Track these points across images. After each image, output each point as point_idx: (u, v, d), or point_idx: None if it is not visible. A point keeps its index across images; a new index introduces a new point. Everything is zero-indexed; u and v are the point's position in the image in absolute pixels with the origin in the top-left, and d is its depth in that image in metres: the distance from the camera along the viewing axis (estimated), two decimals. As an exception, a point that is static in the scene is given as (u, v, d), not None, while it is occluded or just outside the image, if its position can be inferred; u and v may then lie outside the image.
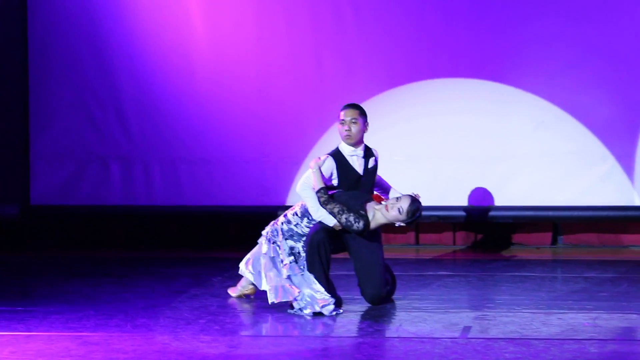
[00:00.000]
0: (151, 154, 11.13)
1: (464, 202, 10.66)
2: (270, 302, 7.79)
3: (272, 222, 8.02)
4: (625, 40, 10.44)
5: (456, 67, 10.69)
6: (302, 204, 7.89)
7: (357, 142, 8.01)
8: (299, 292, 7.66)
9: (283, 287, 7.75)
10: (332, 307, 7.61)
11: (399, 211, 7.61)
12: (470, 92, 10.67)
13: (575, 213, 10.57)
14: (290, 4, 10.83)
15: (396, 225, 7.77)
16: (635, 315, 7.58)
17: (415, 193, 7.92)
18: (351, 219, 7.63)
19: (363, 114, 8.03)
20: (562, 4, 10.51)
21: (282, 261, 7.81)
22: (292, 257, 7.79)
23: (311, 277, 7.69)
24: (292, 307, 7.68)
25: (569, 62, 10.53)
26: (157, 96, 11.09)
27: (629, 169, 10.51)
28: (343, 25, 10.77)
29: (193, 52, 10.98)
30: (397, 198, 7.68)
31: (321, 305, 7.61)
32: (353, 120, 7.97)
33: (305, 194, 7.81)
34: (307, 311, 7.61)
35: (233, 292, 8.25)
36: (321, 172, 7.82)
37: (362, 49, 10.76)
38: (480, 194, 10.66)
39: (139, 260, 10.39)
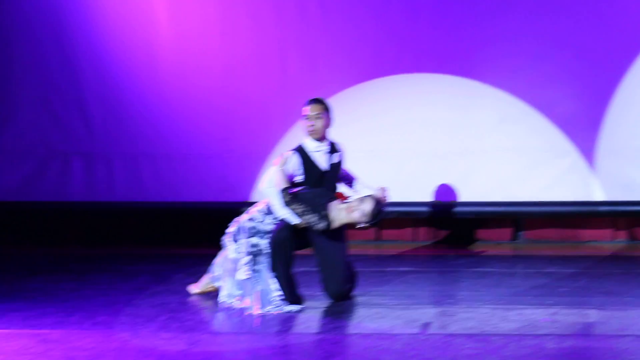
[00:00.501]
0: (113, 150, 11.11)
1: (426, 198, 10.72)
2: (221, 301, 7.86)
3: (236, 219, 8.01)
4: (589, 35, 10.51)
5: (420, 62, 10.75)
6: (266, 201, 7.87)
7: (322, 137, 8.01)
8: (251, 299, 7.69)
9: (241, 296, 7.81)
10: (284, 306, 7.63)
11: (362, 214, 7.61)
12: (434, 87, 10.74)
13: (536, 208, 10.66)
14: (254, 0, 10.81)
15: (358, 227, 7.78)
16: (594, 311, 7.62)
17: (382, 187, 7.96)
18: (313, 219, 7.62)
19: (327, 109, 8.02)
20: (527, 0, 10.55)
21: (239, 262, 7.83)
22: (249, 257, 7.78)
23: (269, 276, 7.69)
24: (250, 306, 7.69)
25: (533, 56, 10.60)
26: (120, 92, 11.07)
27: (591, 164, 10.57)
28: (307, 20, 10.79)
29: (157, 48, 10.96)
30: (361, 199, 7.66)
31: (275, 305, 7.62)
32: (317, 116, 7.97)
33: (269, 192, 7.79)
34: (266, 309, 7.62)
35: (194, 289, 8.24)
36: (286, 169, 7.81)
37: (327, 44, 10.78)
38: (443, 190, 10.71)
39: (99, 257, 10.36)
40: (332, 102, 8.25)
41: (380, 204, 7.68)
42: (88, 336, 6.82)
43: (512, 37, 10.60)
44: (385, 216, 7.84)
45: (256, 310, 7.63)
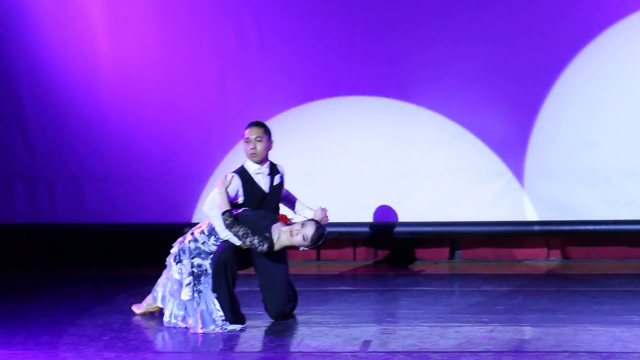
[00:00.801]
0: (55, 172, 11.01)
1: (365, 218, 10.68)
2: (165, 321, 7.85)
3: (179, 240, 8.00)
4: (520, 59, 10.54)
5: (357, 85, 10.72)
6: (209, 222, 7.87)
7: (262, 159, 8.02)
8: (194, 319, 7.69)
9: (184, 316, 7.80)
10: (227, 326, 7.65)
11: (304, 238, 7.61)
12: (371, 110, 10.71)
13: (472, 228, 10.66)
14: (193, 23, 10.78)
15: (300, 249, 7.81)
16: (529, 328, 7.67)
17: (322, 208, 7.99)
18: (255, 242, 7.62)
19: (267, 131, 8.04)
20: (460, 25, 10.58)
21: (183, 282, 7.83)
22: (191, 278, 7.79)
23: (212, 296, 7.71)
24: (193, 326, 7.69)
25: (466, 80, 10.61)
26: (61, 115, 10.98)
27: (523, 185, 10.62)
28: (245, 44, 10.75)
29: (97, 71, 10.89)
30: (303, 224, 7.66)
31: (218, 326, 7.64)
32: (258, 139, 7.98)
33: (212, 214, 7.80)
34: (209, 328, 7.63)
35: (137, 309, 8.21)
36: (228, 191, 7.82)
37: (265, 68, 10.75)
38: (380, 211, 10.70)
39: (42, 278, 10.24)
40: (271, 124, 8.27)
41: (321, 228, 7.71)
42: (32, 357, 6.79)
43: (446, 61, 10.60)
44: (326, 239, 7.85)
45: (199, 330, 7.63)
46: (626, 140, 10.46)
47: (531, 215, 10.60)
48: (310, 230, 7.61)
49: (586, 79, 10.48)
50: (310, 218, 7.90)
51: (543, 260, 10.90)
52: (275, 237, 7.67)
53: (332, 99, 10.76)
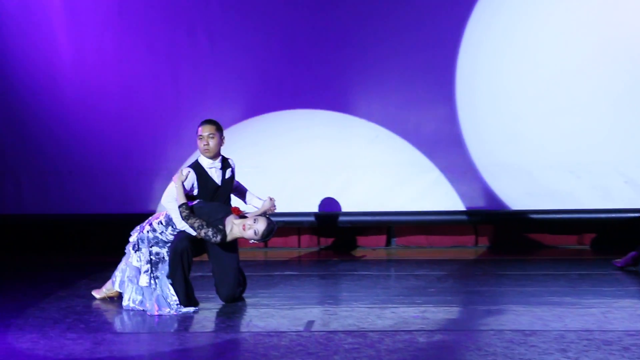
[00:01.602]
0: (21, 167, 10.90)
1: (308, 209, 10.69)
2: (124, 304, 7.82)
3: (137, 228, 7.96)
4: (440, 67, 10.56)
5: (300, 98, 10.71)
6: (166, 213, 7.84)
7: (215, 155, 8.01)
8: (150, 303, 7.67)
9: (142, 301, 7.77)
10: (181, 309, 7.63)
11: (255, 232, 7.60)
12: (313, 116, 10.72)
13: (406, 218, 10.71)
14: (149, 29, 10.71)
15: (250, 242, 7.80)
16: (459, 308, 7.74)
17: (270, 197, 7.99)
18: (210, 233, 7.60)
19: (219, 129, 8.04)
20: (385, 39, 10.55)
21: (141, 269, 7.80)
22: (149, 266, 7.76)
23: (167, 282, 7.69)
24: (150, 309, 7.67)
25: (395, 88, 10.62)
26: (27, 114, 10.85)
27: (452, 178, 10.66)
28: (197, 50, 10.69)
29: (59, 74, 10.78)
30: (255, 219, 7.64)
31: (173, 309, 7.62)
32: (210, 135, 7.97)
33: (169, 207, 7.78)
34: (165, 311, 7.61)
35: (97, 293, 8.17)
36: (184, 184, 7.80)
37: (215, 71, 10.69)
38: (323, 202, 10.72)
39: (10, 265, 10.14)
40: (224, 122, 8.31)
41: (272, 224, 7.70)
42: (0, 339, 6.75)
43: (377, 72, 10.60)
44: (274, 233, 7.85)
45: (155, 312, 7.61)
46: (545, 137, 10.53)
47: (460, 206, 10.65)
48: (261, 226, 7.60)
49: (509, 83, 10.54)
50: (262, 213, 7.89)
51: (471, 246, 10.96)
52: (228, 229, 7.65)
53: (278, 113, 10.77)
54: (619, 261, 9.41)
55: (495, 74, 10.56)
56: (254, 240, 7.66)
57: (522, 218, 10.66)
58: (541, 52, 10.48)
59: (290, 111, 10.75)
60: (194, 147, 8.13)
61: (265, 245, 10.67)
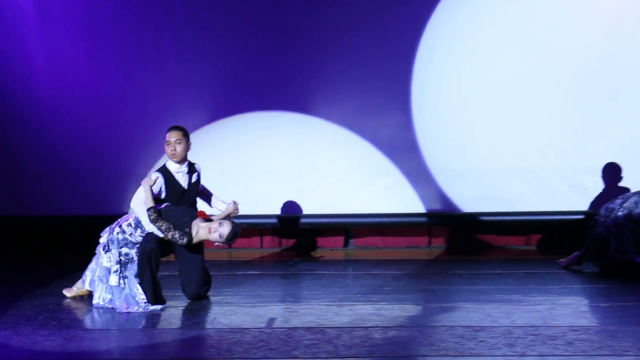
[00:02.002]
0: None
1: (270, 212, 10.66)
2: (94, 302, 7.78)
3: (107, 230, 7.92)
4: (396, 77, 10.56)
5: (262, 101, 10.67)
6: (135, 216, 7.82)
7: (182, 159, 8.00)
8: (119, 301, 7.64)
9: (111, 299, 7.73)
10: (149, 306, 7.61)
11: (220, 236, 7.60)
12: (274, 120, 10.68)
13: (363, 220, 10.69)
14: (119, 39, 10.65)
15: (215, 244, 7.79)
16: (412, 306, 7.75)
17: (234, 201, 7.98)
18: (176, 236, 7.59)
19: (186, 135, 8.03)
20: (346, 48, 10.54)
21: (111, 269, 7.77)
22: (118, 266, 7.73)
23: (135, 282, 7.66)
24: (119, 307, 7.65)
25: (353, 95, 10.62)
26: (2, 120, 10.78)
27: (407, 182, 10.65)
28: (165, 59, 10.65)
29: (35, 83, 10.68)
30: (220, 223, 7.64)
31: (141, 306, 7.60)
32: (178, 141, 7.96)
33: (138, 210, 7.76)
34: (133, 309, 7.59)
35: (68, 292, 8.12)
36: (152, 188, 7.77)
37: (181, 80, 10.66)
38: (284, 204, 10.70)
39: None
40: (189, 128, 8.30)
41: (236, 228, 7.69)
42: (-25, 335, 6.72)
43: (337, 80, 10.59)
44: (239, 236, 7.84)
45: (124, 310, 7.59)
46: (493, 144, 10.57)
47: (415, 208, 10.65)
48: (226, 230, 7.60)
49: (460, 93, 10.58)
50: (226, 216, 7.89)
51: (425, 247, 10.95)
52: (194, 232, 7.65)
53: (242, 115, 10.71)
54: (563, 261, 9.47)
55: (447, 84, 10.59)
56: (219, 242, 7.66)
57: (473, 220, 10.69)
58: (489, 63, 10.53)
59: (253, 113, 10.70)
60: (162, 152, 8.10)
61: (230, 247, 10.65)
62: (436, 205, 10.68)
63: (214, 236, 7.60)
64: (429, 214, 10.66)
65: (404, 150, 10.66)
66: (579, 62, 10.49)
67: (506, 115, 10.57)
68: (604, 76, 10.48)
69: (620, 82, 10.48)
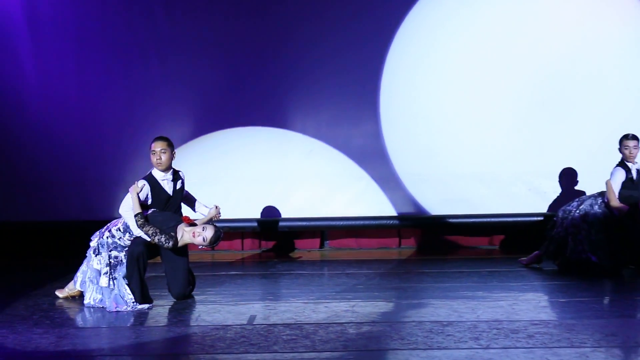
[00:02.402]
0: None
1: (251, 216, 10.65)
2: (85, 302, 7.77)
3: (97, 234, 7.91)
4: (365, 89, 10.57)
5: (243, 117, 10.67)
6: (124, 221, 7.81)
7: (167, 168, 7.98)
8: (109, 301, 7.63)
9: (101, 299, 7.72)
10: (137, 306, 7.61)
11: (204, 239, 7.61)
12: (255, 136, 10.70)
13: (338, 223, 10.68)
14: (107, 54, 10.62)
15: (199, 247, 7.79)
16: (384, 303, 7.77)
17: (216, 205, 7.98)
18: (162, 239, 7.59)
19: (171, 145, 8.01)
20: (318, 62, 10.57)
21: (101, 271, 7.76)
22: (108, 268, 7.72)
23: (123, 283, 7.65)
24: (109, 306, 7.64)
25: (327, 107, 10.61)
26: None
27: (378, 187, 10.66)
28: (150, 74, 10.65)
29: (26, 97, 10.63)
30: (204, 228, 7.65)
31: (129, 306, 7.59)
32: (163, 151, 7.94)
33: (126, 215, 7.74)
34: (122, 308, 7.58)
35: (60, 293, 8.10)
36: (139, 195, 7.77)
37: (167, 94, 10.64)
38: (264, 209, 10.70)
39: None
40: (174, 138, 8.29)
41: (218, 232, 7.70)
42: (-27, 333, 6.70)
43: (311, 93, 10.59)
44: (221, 240, 7.84)
45: (114, 309, 7.58)
46: (458, 151, 10.61)
47: (386, 212, 10.67)
48: (209, 234, 7.61)
49: (425, 103, 10.62)
50: (209, 220, 7.90)
51: (395, 248, 10.97)
52: (179, 235, 7.65)
53: (224, 130, 10.71)
54: (524, 259, 9.53)
55: (413, 95, 10.61)
56: (203, 245, 7.66)
57: (440, 222, 10.71)
58: (453, 75, 10.57)
59: (235, 129, 10.71)
60: (148, 161, 8.09)
61: (213, 249, 10.63)
62: (405, 209, 10.69)
63: (198, 240, 7.61)
64: (399, 217, 10.67)
65: (374, 157, 10.68)
66: (538, 77, 10.56)
67: (470, 124, 10.61)
68: (560, 89, 10.55)
69: (575, 95, 10.56)
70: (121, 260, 7.76)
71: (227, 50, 10.63)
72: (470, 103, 10.59)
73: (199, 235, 7.59)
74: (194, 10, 10.62)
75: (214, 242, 7.66)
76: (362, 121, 10.65)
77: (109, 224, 7.95)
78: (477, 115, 10.60)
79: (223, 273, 9.41)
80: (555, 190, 10.52)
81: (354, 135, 10.66)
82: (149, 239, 7.65)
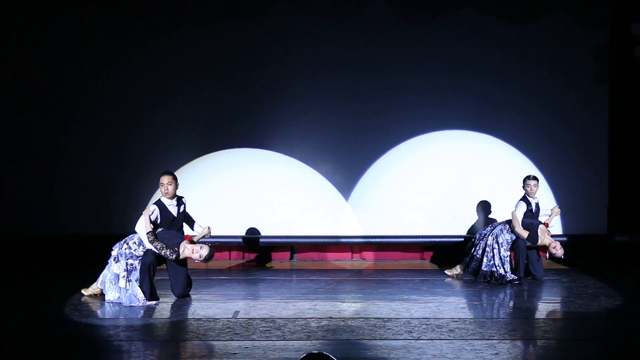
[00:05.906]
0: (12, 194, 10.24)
1: (237, 233, 10.45)
2: (106, 299, 7.73)
3: (117, 244, 7.88)
4: (350, 111, 10.35)
5: (228, 141, 10.39)
6: (138, 237, 7.82)
7: (172, 196, 8.00)
8: (125, 298, 7.61)
9: (119, 297, 7.70)
10: (147, 302, 7.58)
11: (200, 256, 7.66)
12: (239, 156, 10.43)
13: (304, 240, 10.55)
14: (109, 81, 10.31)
15: (195, 262, 7.79)
16: (339, 302, 7.75)
17: (208, 226, 8.00)
18: (168, 253, 7.64)
19: (175, 178, 8.04)
20: (297, 87, 10.30)
21: (120, 275, 7.75)
22: (125, 273, 7.69)
23: (136, 285, 7.64)
24: (124, 303, 7.62)
25: (307, 131, 10.37)
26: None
27: (336, 212, 10.49)
28: (151, 104, 10.24)
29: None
30: (201, 246, 7.68)
31: (141, 302, 7.57)
32: (169, 183, 7.97)
33: (140, 233, 7.77)
34: (135, 304, 7.57)
35: (86, 291, 8.06)
36: (150, 217, 7.78)
37: (168, 121, 10.31)
38: (248, 229, 10.55)
39: (30, 274, 9.66)
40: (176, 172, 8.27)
41: (212, 251, 7.69)
42: (26, 320, 6.64)
43: (292, 116, 10.31)
44: (213, 256, 7.83)
45: (129, 305, 7.57)
46: (397, 186, 10.50)
47: (342, 232, 10.50)
48: (205, 252, 7.67)
49: (393, 148, 10.52)
50: (202, 237, 7.90)
51: (348, 260, 10.86)
52: (181, 250, 7.69)
53: (213, 153, 10.41)
54: (448, 271, 9.53)
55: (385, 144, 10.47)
56: (199, 261, 7.71)
57: (381, 241, 10.56)
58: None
59: (227, 150, 10.41)
60: (156, 187, 8.01)
61: (206, 265, 10.53)
62: (357, 230, 10.58)
63: (195, 256, 7.67)
64: (352, 236, 10.56)
65: (346, 180, 10.45)
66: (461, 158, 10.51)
67: (405, 168, 10.57)
68: (477, 168, 10.53)
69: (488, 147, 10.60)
70: (135, 267, 7.77)
71: (223, 84, 10.27)
72: (406, 153, 10.55)
73: (196, 252, 7.66)
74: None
75: (208, 259, 7.71)
76: (345, 148, 10.40)
77: (126, 238, 7.95)
78: (414, 167, 10.57)
79: (214, 278, 9.38)
80: (473, 217, 10.50)
81: (329, 157, 10.39)
82: (157, 252, 7.67)
